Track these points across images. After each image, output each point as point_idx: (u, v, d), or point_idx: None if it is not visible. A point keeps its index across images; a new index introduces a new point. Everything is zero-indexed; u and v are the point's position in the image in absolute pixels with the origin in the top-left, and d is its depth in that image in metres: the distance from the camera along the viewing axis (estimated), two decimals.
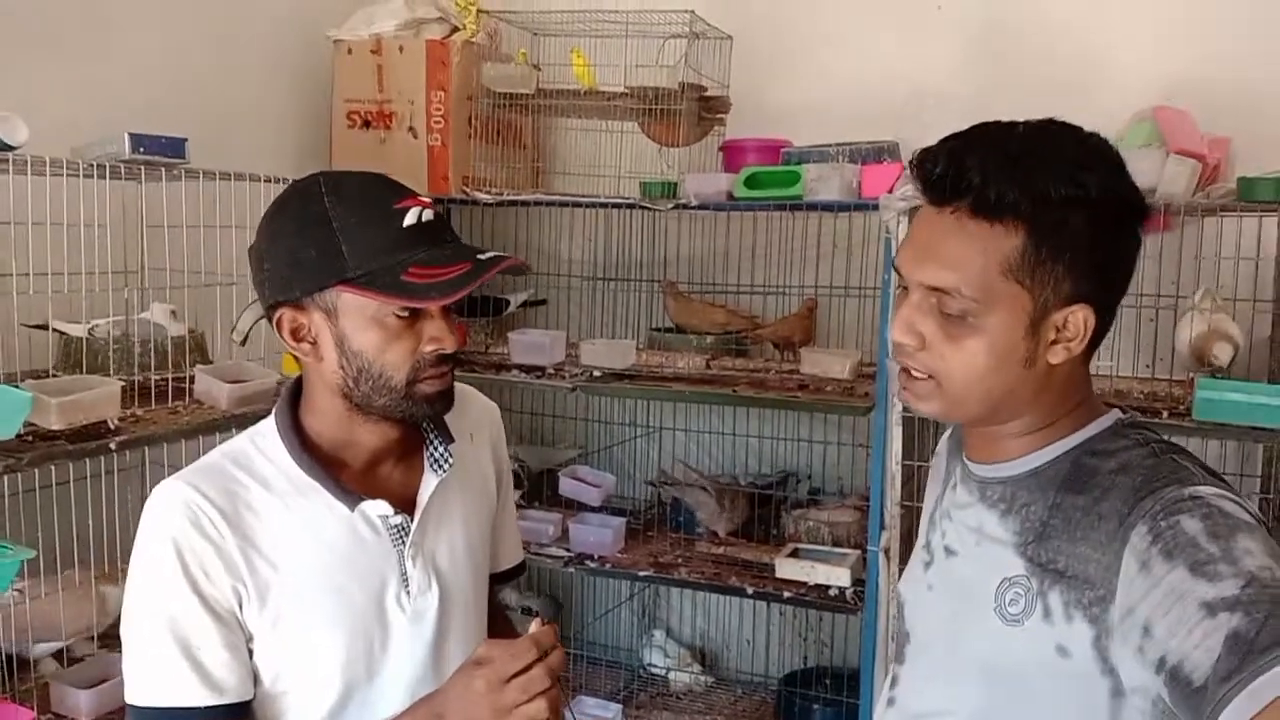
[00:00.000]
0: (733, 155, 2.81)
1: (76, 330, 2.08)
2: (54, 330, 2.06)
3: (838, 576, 2.47)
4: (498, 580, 1.46)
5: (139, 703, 1.13)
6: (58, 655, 1.90)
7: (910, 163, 1.05)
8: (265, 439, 1.23)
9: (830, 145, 2.64)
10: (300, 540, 1.18)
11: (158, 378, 2.04)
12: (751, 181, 2.55)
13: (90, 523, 1.83)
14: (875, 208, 2.29)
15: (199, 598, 1.13)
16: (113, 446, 1.81)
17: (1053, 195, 0.96)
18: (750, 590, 2.54)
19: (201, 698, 1.13)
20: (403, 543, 1.23)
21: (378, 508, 1.20)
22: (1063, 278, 0.99)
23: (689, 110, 2.74)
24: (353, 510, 1.19)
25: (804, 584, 2.50)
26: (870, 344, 2.65)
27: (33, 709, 1.69)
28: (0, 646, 1.75)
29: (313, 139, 3.01)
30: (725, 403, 2.75)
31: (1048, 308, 1.00)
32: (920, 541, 1.24)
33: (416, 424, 1.26)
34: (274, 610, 1.16)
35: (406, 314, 1.15)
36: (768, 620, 3.17)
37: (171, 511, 1.14)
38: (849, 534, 2.66)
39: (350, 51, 2.95)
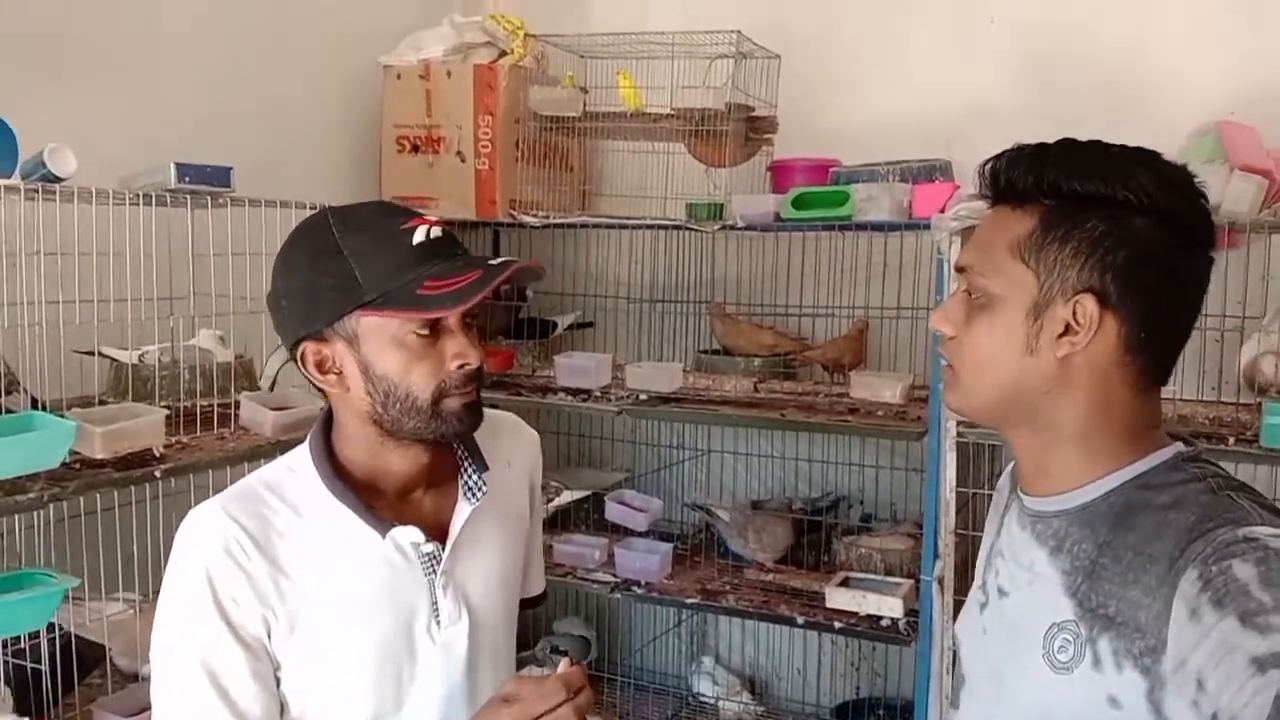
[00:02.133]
0: (781, 175, 2.77)
1: (126, 357, 2.10)
2: (103, 356, 2.09)
3: (890, 607, 2.41)
4: (519, 608, 1.43)
5: None
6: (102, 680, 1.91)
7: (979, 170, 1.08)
8: (300, 465, 1.22)
9: (880, 164, 2.60)
10: (331, 567, 1.17)
11: (206, 404, 2.05)
12: (800, 202, 2.52)
13: (135, 549, 1.84)
14: (927, 228, 2.24)
15: (228, 626, 1.12)
16: (158, 474, 1.81)
17: (1064, 186, 0.99)
18: (800, 620, 2.48)
19: None
20: (434, 571, 1.22)
21: (409, 535, 1.19)
22: (1069, 265, 0.98)
23: (736, 131, 2.71)
24: (384, 537, 1.18)
25: (855, 614, 2.44)
26: (923, 367, 2.59)
27: None
28: (52, 669, 1.76)
29: (362, 165, 3.03)
30: (773, 427, 2.70)
31: (1052, 294, 0.99)
32: (977, 581, 1.19)
33: (449, 447, 1.25)
34: (302, 638, 1.15)
35: (427, 331, 1.15)
36: (819, 648, 3.11)
37: (204, 538, 1.14)
38: (902, 562, 2.59)
39: (399, 77, 2.98)
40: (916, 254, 2.69)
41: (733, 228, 2.64)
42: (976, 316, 1.03)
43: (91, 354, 2.03)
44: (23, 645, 1.70)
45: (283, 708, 1.17)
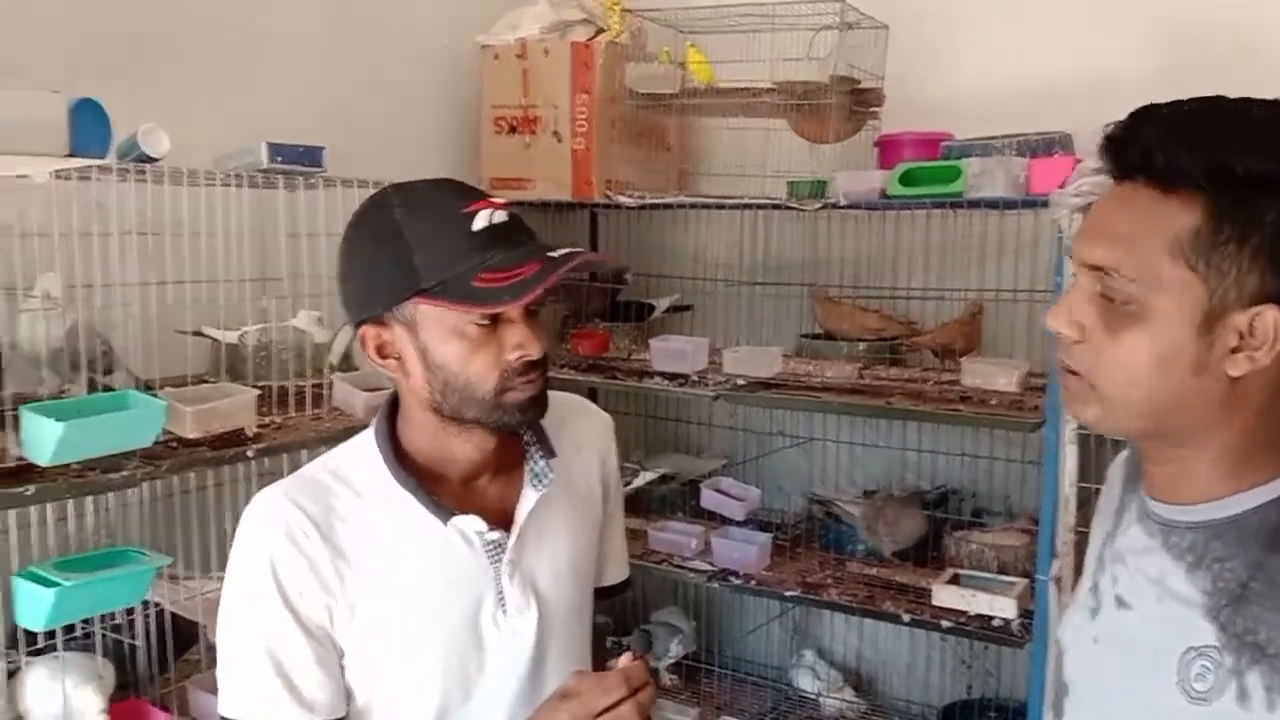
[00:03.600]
0: (888, 151, 2.64)
1: (228, 337, 2.13)
2: (204, 336, 2.11)
3: (1002, 607, 2.28)
4: (600, 596, 1.39)
5: (230, 715, 1.12)
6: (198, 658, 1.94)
7: (1102, 138, 0.91)
8: (364, 451, 1.20)
9: (995, 138, 2.45)
10: (394, 555, 1.15)
11: (301, 384, 2.05)
12: (908, 178, 2.39)
13: (229, 528, 1.84)
14: (1045, 205, 2.09)
15: (292, 614, 1.10)
16: (250, 454, 1.83)
17: (1238, 168, 0.81)
18: (907, 618, 2.37)
19: (293, 716, 1.11)
20: (499, 560, 1.18)
21: (471, 523, 1.16)
22: (1247, 269, 0.82)
23: (840, 104, 2.59)
24: (445, 525, 1.15)
25: (965, 613, 2.32)
26: (1040, 354, 2.44)
27: (172, 711, 1.71)
28: (148, 646, 1.78)
29: (460, 146, 3.02)
30: (878, 415, 2.58)
31: (1226, 303, 0.83)
32: (1085, 583, 1.07)
33: (516, 433, 1.21)
34: (366, 626, 1.13)
35: (487, 322, 1.10)
36: (928, 645, 2.98)
37: (268, 525, 1.12)
38: (1016, 560, 2.45)
39: (496, 57, 2.95)
40: (1035, 233, 2.53)
41: (836, 206, 2.52)
42: (1123, 327, 0.87)
43: (193, 334, 2.06)
44: (120, 621, 1.73)
45: (349, 695, 1.15)
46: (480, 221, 1.09)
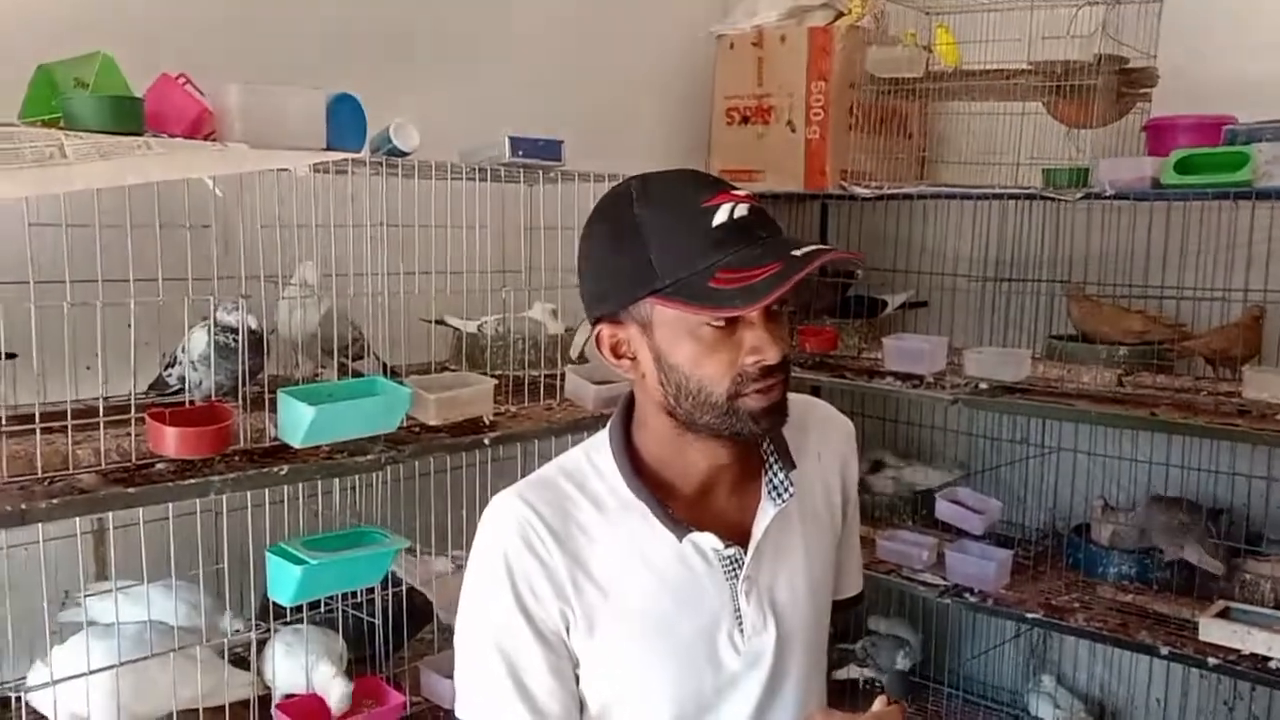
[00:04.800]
0: (1159, 136, 2.40)
1: (468, 326, 2.19)
2: (447, 325, 2.18)
3: None
4: (834, 609, 1.31)
5: (466, 718, 1.12)
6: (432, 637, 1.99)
7: None
8: (599, 454, 1.17)
9: None
10: (630, 566, 1.11)
11: (535, 375, 2.08)
12: (1184, 165, 2.17)
13: (465, 513, 1.89)
14: None
15: (526, 619, 1.09)
16: (486, 442, 1.86)
17: None
18: (1165, 651, 2.15)
19: None
20: (736, 577, 1.12)
21: (707, 541, 1.10)
22: None
23: (1106, 85, 2.38)
24: (680, 541, 1.10)
25: (1235, 650, 2.08)
26: None
27: (404, 692, 1.77)
28: (385, 624, 1.85)
29: (692, 137, 2.99)
30: (1142, 427, 2.34)
31: None
32: None
33: (753, 444, 1.14)
34: (601, 637, 1.10)
35: (722, 323, 1.03)
36: (1184, 680, 2.70)
37: (505, 528, 1.11)
38: None
39: (732, 46, 2.90)
40: None
41: (1099, 196, 2.31)
42: None
43: (436, 323, 2.13)
44: (360, 600, 1.80)
45: (582, 706, 1.13)
46: (721, 216, 1.03)
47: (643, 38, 2.87)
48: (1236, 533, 2.47)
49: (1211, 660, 2.10)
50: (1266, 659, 2.06)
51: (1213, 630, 2.12)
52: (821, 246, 1.04)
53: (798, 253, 1.01)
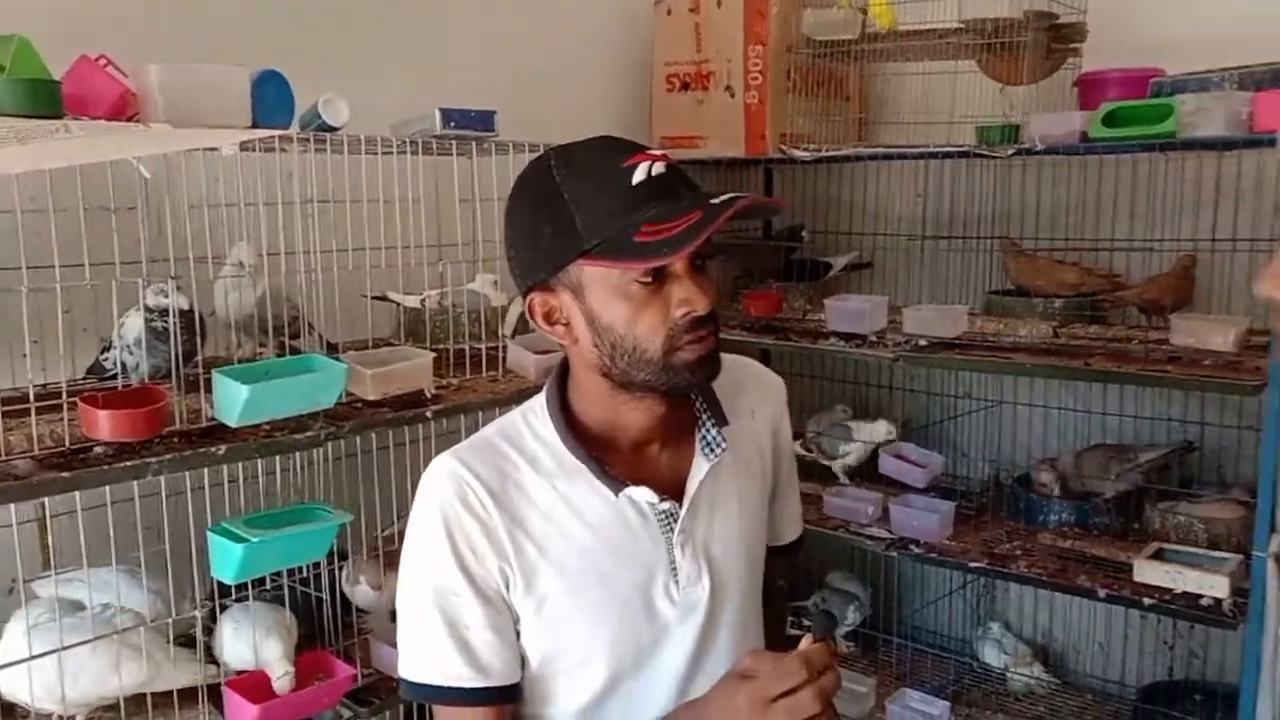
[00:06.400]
0: (1089, 90, 2.43)
1: (408, 301, 2.18)
2: (387, 300, 2.17)
3: (1213, 585, 2.09)
4: (774, 555, 1.35)
5: (409, 677, 1.14)
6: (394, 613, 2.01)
7: None
8: (535, 417, 1.19)
9: (1213, 71, 2.21)
10: (567, 523, 1.14)
11: (478, 347, 2.09)
12: (1112, 119, 2.21)
13: (409, 487, 1.89)
14: (1272, 144, 1.88)
15: (466, 577, 1.11)
16: (429, 415, 1.87)
17: None
18: (1102, 593, 2.21)
19: (468, 678, 1.12)
20: (671, 530, 1.16)
21: (642, 495, 1.13)
22: None
23: (1036, 42, 2.41)
24: (617, 496, 1.13)
25: (1169, 590, 2.14)
26: (1263, 309, 2.20)
27: (355, 664, 1.79)
28: (333, 599, 1.86)
29: (632, 105, 2.99)
30: (1076, 377, 2.40)
31: None
32: None
33: (686, 399, 1.18)
34: (540, 594, 1.13)
35: (650, 279, 1.06)
36: (1125, 622, 2.79)
37: (442, 489, 1.13)
38: (1229, 534, 2.25)
39: (669, 12, 2.90)
40: (1258, 176, 2.28)
41: (1030, 152, 2.35)
42: None
43: (376, 298, 2.12)
44: (307, 575, 1.81)
45: (523, 661, 1.16)
46: (639, 175, 1.05)
47: (580, 6, 2.86)
48: (1171, 477, 2.55)
49: (1147, 600, 2.16)
50: (1198, 596, 2.12)
51: (1147, 571, 2.18)
52: (738, 195, 1.06)
53: (715, 201, 1.04)
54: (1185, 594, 2.13)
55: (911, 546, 2.47)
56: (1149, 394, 2.61)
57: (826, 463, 2.78)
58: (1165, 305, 2.36)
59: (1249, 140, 2.08)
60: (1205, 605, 2.10)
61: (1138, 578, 2.19)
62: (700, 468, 1.17)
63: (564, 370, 1.20)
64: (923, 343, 2.45)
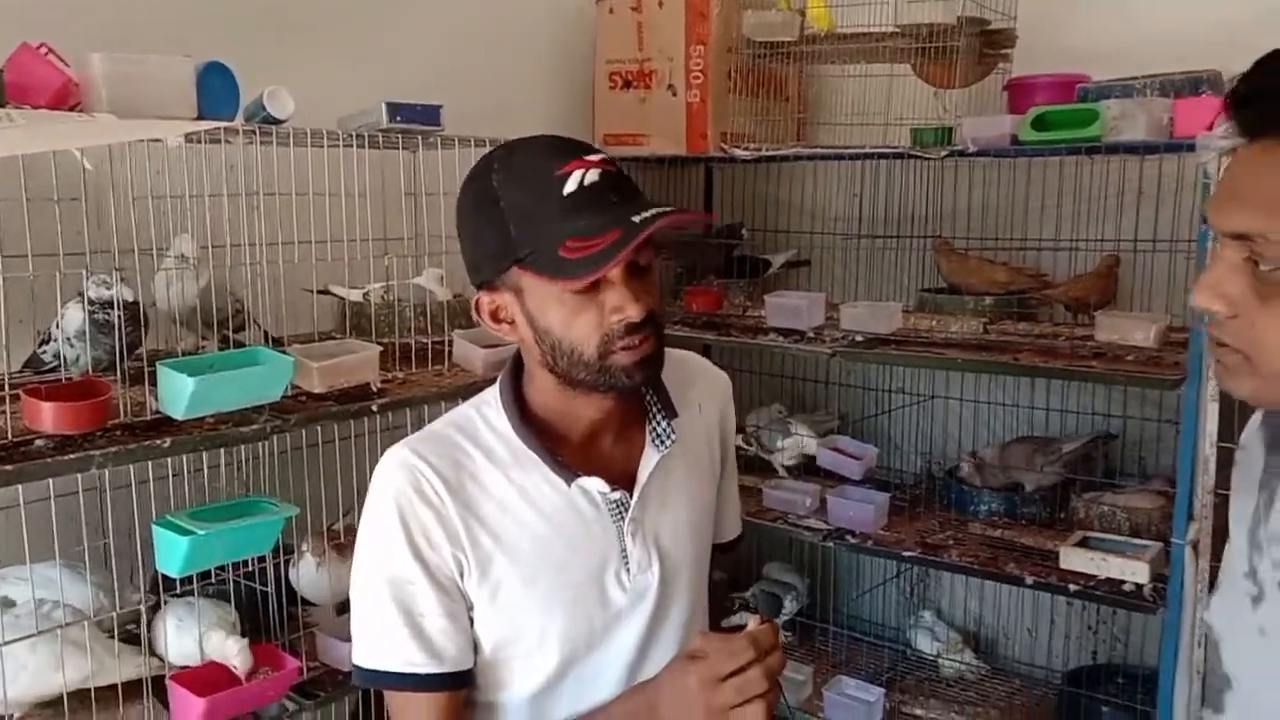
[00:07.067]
0: (1019, 95, 2.52)
1: (352, 295, 2.18)
2: (330, 294, 2.17)
3: (1134, 571, 2.19)
4: (716, 552, 1.39)
5: (362, 664, 1.16)
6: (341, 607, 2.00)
7: (1226, 95, 0.85)
8: (489, 407, 1.21)
9: (1136, 79, 2.30)
10: (520, 512, 1.16)
11: (424, 341, 2.09)
12: (1040, 123, 2.29)
13: (355, 482, 1.90)
14: (1191, 148, 1.96)
15: (421, 564, 1.13)
16: (374, 408, 1.87)
17: None
18: (1030, 580, 2.29)
19: (422, 664, 1.13)
20: (622, 519, 1.19)
21: (594, 484, 1.16)
22: None
23: (968, 47, 2.48)
24: (569, 486, 1.16)
25: (1094, 577, 2.23)
26: (1181, 307, 2.31)
27: (301, 657, 1.79)
28: (279, 592, 1.86)
29: (575, 102, 3.01)
30: (1004, 372, 2.49)
31: None
32: (1238, 565, 0.99)
33: (637, 393, 1.20)
34: (494, 582, 1.15)
35: (582, 287, 1.08)
36: (1052, 609, 2.89)
37: (397, 478, 1.14)
38: (1150, 522, 2.35)
39: (612, 10, 2.93)
40: (1178, 179, 2.37)
41: (962, 154, 2.42)
42: (1276, 295, 0.82)
43: (319, 292, 2.11)
44: (252, 569, 1.80)
45: (475, 647, 1.18)
46: (571, 185, 1.06)
47: (524, 3, 2.87)
48: (1096, 468, 2.65)
49: (1072, 587, 2.23)
50: (1120, 583, 2.21)
51: (1072, 558, 2.27)
52: (662, 209, 1.07)
53: (637, 218, 1.05)
54: (1108, 580, 2.22)
55: (848, 537, 2.53)
56: (1074, 388, 2.71)
57: (766, 456, 2.83)
58: (1090, 303, 2.44)
59: (1169, 145, 2.17)
60: (1127, 591, 2.19)
61: (1064, 565, 2.27)
62: (650, 459, 1.20)
63: (518, 363, 1.22)
64: (859, 339, 2.51)
